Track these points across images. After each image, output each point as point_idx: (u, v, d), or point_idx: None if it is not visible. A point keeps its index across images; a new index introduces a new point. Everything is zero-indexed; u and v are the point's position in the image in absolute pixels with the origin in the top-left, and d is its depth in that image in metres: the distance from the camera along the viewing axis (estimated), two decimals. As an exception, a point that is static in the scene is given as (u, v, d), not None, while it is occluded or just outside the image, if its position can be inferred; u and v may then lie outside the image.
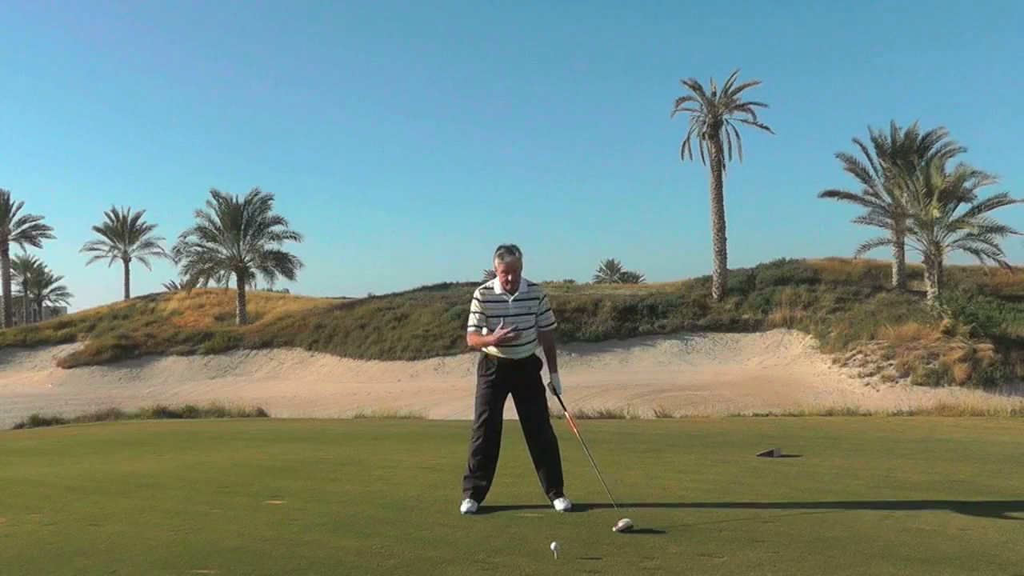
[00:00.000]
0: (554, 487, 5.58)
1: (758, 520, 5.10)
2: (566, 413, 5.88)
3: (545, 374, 5.64)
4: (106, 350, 41.79)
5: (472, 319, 5.58)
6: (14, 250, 60.87)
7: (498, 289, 5.54)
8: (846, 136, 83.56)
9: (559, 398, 5.62)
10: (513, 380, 5.55)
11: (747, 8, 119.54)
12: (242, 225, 46.56)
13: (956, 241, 31.63)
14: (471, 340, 5.61)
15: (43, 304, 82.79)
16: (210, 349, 40.98)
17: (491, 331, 5.48)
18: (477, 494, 5.55)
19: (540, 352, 5.75)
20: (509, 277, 5.48)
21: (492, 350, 5.52)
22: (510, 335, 5.36)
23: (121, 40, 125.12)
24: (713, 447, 8.99)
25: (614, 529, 4.84)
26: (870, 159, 35.83)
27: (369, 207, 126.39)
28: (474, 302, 5.59)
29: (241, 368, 39.37)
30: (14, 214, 58.16)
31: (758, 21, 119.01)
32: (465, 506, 5.46)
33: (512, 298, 5.51)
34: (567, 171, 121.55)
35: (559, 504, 5.48)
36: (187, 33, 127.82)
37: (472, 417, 5.70)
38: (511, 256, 5.50)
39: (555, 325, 5.82)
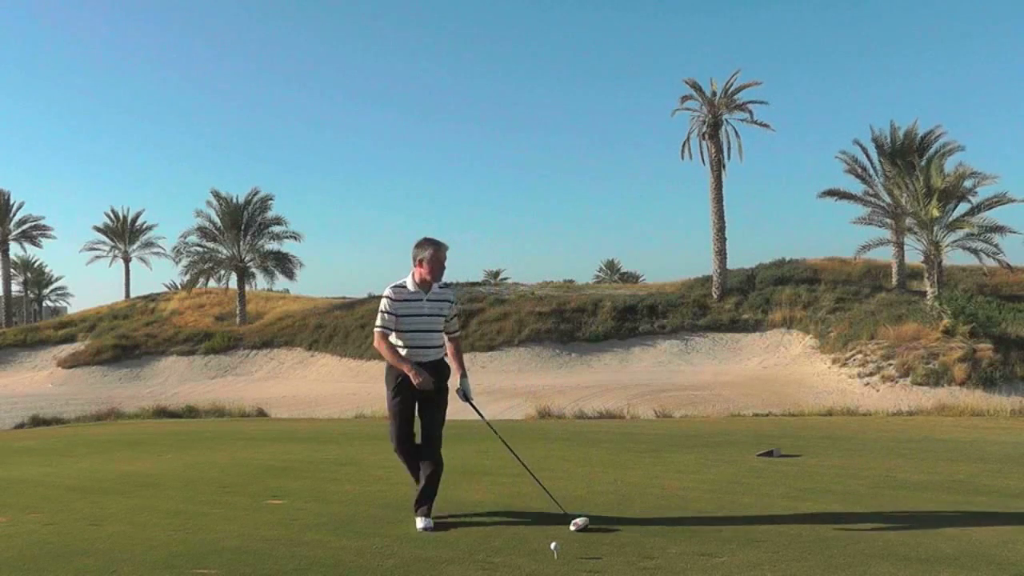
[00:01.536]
0: (426, 503, 5.17)
1: (758, 520, 5.10)
2: (483, 417, 5.58)
3: (454, 380, 5.31)
4: (106, 350, 41.78)
5: (380, 319, 5.17)
6: (14, 250, 60.96)
7: (412, 287, 5.17)
8: (846, 136, 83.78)
9: (472, 403, 5.27)
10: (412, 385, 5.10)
11: (747, 8, 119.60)
12: (242, 225, 46.56)
13: (956, 241, 31.65)
14: (379, 345, 5.21)
15: (43, 304, 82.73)
16: (210, 349, 40.97)
17: (403, 332, 5.14)
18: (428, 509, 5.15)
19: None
20: (436, 269, 5.13)
21: (402, 352, 5.17)
22: (421, 381, 5.01)
23: (121, 40, 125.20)
24: (713, 447, 8.99)
25: (572, 528, 4.86)
26: (870, 159, 35.87)
27: (369, 207, 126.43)
28: (384, 301, 5.16)
29: (241, 368, 39.37)
30: (14, 214, 58.16)
31: (758, 21, 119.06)
32: (422, 524, 5.03)
33: (426, 296, 5.18)
34: (567, 171, 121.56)
35: (420, 523, 5.06)
36: (187, 33, 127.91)
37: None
38: (444, 246, 5.18)
39: (460, 332, 5.51)
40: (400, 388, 5.15)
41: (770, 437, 9.76)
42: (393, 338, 5.17)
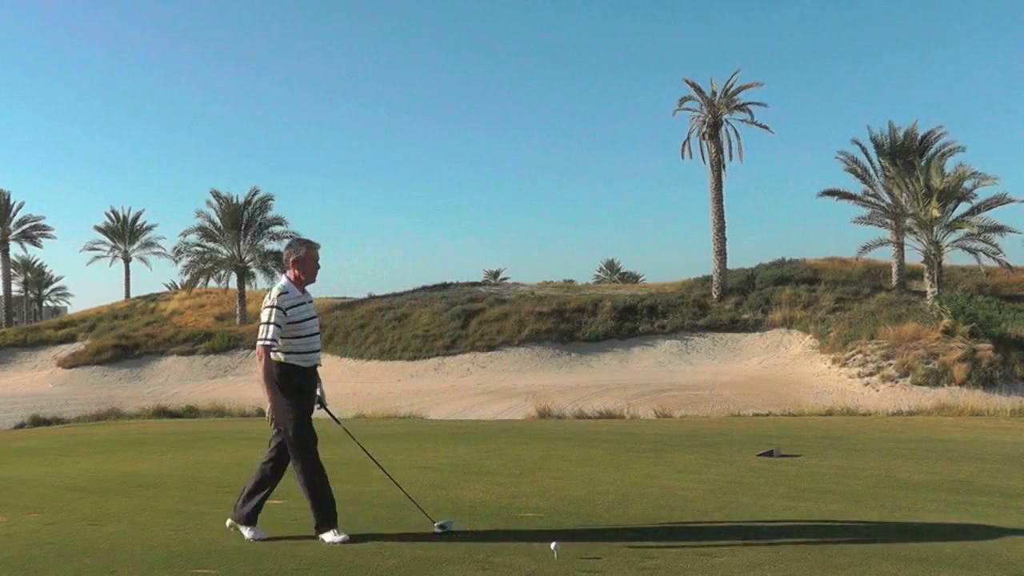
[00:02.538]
0: (255, 519, 5.05)
1: (758, 520, 5.11)
2: (339, 422, 5.42)
3: None
4: (106, 350, 41.77)
5: (270, 331, 4.75)
6: (14, 250, 60.92)
7: (294, 291, 4.91)
8: (846, 136, 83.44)
9: (327, 409, 5.19)
10: (311, 390, 4.96)
11: (747, 8, 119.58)
12: (242, 225, 46.57)
13: (956, 241, 31.65)
14: (263, 363, 4.77)
15: (43, 304, 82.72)
16: (210, 349, 40.97)
17: (300, 338, 4.85)
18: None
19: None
20: (312, 269, 4.97)
21: (302, 360, 4.88)
22: (276, 423, 4.76)
23: (121, 40, 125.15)
24: (713, 447, 8.99)
25: (437, 530, 4.92)
26: (870, 159, 35.84)
27: (369, 207, 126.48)
28: (274, 311, 4.76)
29: (241, 368, 39.34)
30: (14, 214, 58.11)
31: (758, 21, 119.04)
32: (340, 537, 4.79)
33: (307, 299, 4.98)
34: (567, 171, 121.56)
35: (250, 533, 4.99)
36: (187, 33, 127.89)
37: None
38: (317, 245, 5.02)
39: None
40: (302, 395, 4.86)
41: (770, 437, 9.76)
42: (283, 347, 4.82)
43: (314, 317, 4.99)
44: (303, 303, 4.92)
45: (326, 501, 4.90)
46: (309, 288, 5.08)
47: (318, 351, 5.02)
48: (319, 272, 5.04)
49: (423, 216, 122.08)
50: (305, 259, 4.98)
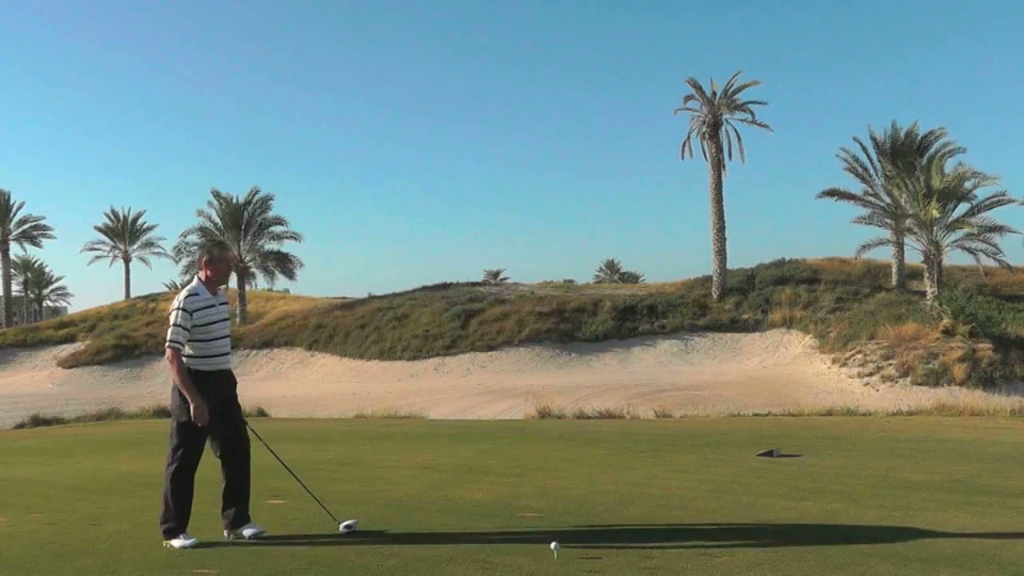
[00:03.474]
0: (245, 518, 5.02)
1: (758, 520, 5.11)
2: (247, 424, 5.28)
3: None
4: (106, 350, 41.78)
5: (175, 333, 4.77)
6: (15, 250, 60.93)
7: (205, 293, 4.93)
8: (846, 136, 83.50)
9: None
10: (221, 395, 4.91)
11: (747, 8, 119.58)
12: (243, 225, 46.55)
13: (955, 241, 31.64)
14: (172, 363, 4.79)
15: (43, 304, 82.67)
16: (210, 349, 40.94)
17: (206, 341, 4.87)
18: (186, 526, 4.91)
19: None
20: (224, 270, 5.05)
21: (205, 364, 4.88)
22: (202, 416, 4.71)
23: (122, 40, 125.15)
24: (713, 447, 9.00)
25: (342, 529, 4.97)
26: (870, 159, 35.85)
27: (369, 207, 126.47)
28: (180, 313, 4.78)
29: (241, 368, 39.35)
30: (15, 214, 58.12)
31: (758, 21, 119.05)
32: (189, 541, 4.78)
33: (218, 301, 4.98)
34: (567, 171, 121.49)
35: (248, 530, 4.96)
36: (188, 33, 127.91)
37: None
38: (229, 247, 5.06)
39: None
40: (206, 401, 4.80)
41: (770, 437, 9.76)
42: (188, 350, 4.84)
43: (225, 320, 5.00)
44: (212, 305, 4.93)
45: (179, 512, 4.85)
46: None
47: (225, 355, 5.01)
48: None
49: (423, 216, 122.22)
50: (217, 260, 5.03)
